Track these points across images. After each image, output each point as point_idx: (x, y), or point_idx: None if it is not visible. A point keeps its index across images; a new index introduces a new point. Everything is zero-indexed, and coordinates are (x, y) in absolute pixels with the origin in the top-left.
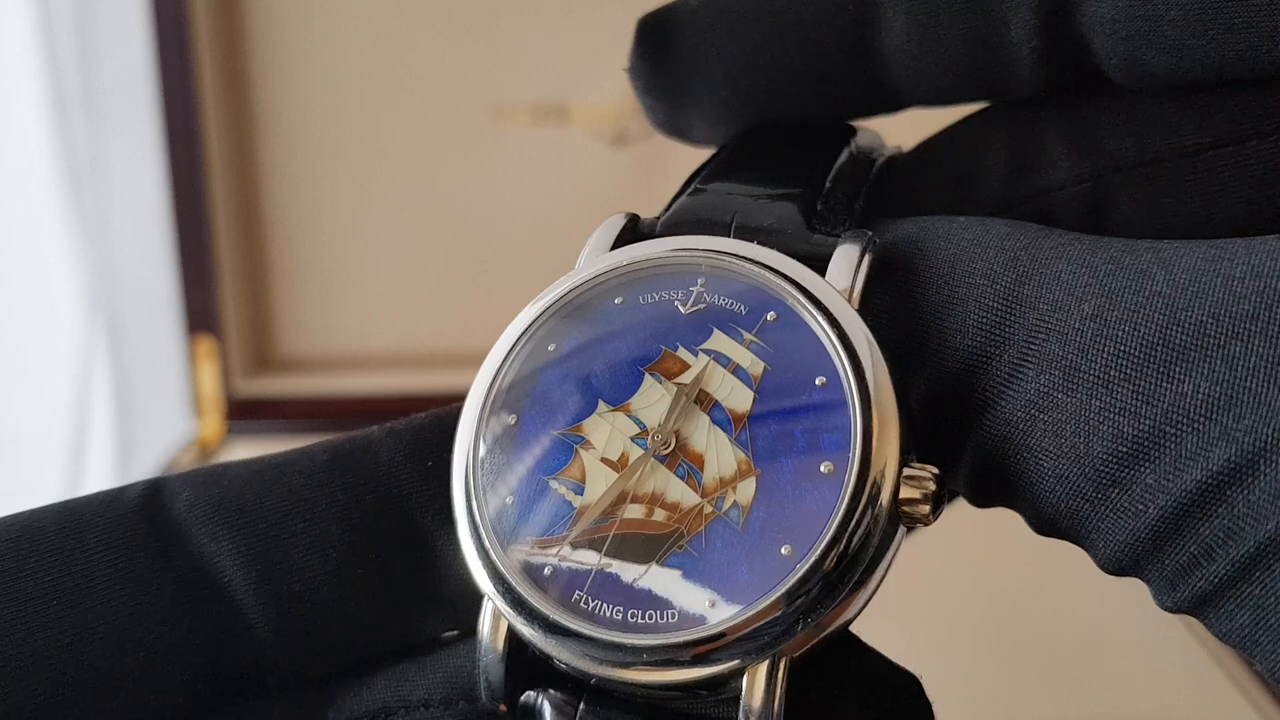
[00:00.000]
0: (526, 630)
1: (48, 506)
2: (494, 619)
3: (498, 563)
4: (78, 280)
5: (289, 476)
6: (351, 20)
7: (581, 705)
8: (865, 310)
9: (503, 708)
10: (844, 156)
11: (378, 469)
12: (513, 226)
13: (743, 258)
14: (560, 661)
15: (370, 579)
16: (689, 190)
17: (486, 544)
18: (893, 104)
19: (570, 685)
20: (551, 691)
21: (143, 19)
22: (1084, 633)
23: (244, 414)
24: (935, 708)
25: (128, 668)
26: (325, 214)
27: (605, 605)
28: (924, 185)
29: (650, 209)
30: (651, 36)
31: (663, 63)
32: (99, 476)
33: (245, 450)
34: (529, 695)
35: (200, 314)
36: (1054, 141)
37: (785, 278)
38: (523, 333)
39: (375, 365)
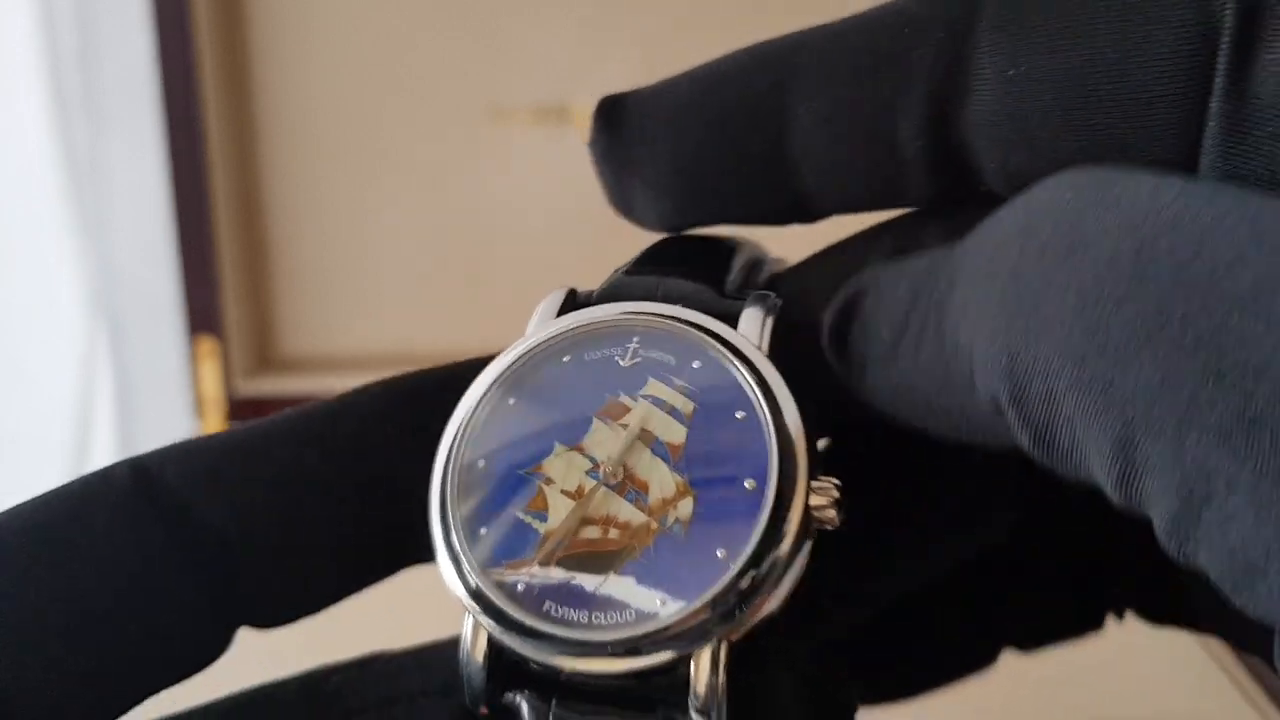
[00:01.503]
0: (505, 637)
1: (33, 506)
2: (474, 631)
3: (478, 584)
4: (79, 281)
5: (275, 447)
6: (353, 21)
7: (554, 701)
8: (774, 356)
9: (484, 710)
10: (743, 256)
11: (367, 439)
12: (514, 227)
13: (670, 317)
14: (535, 662)
15: (367, 551)
16: (616, 275)
17: (465, 570)
18: (804, 206)
19: (544, 686)
20: (527, 692)
21: (144, 19)
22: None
23: (246, 414)
24: (932, 709)
25: (155, 642)
26: (327, 214)
27: (572, 611)
28: (811, 279)
29: None
30: (608, 114)
31: (615, 137)
32: None
33: None
34: (508, 697)
35: (202, 314)
36: (932, 239)
37: (706, 331)
38: (486, 389)
39: (377, 365)
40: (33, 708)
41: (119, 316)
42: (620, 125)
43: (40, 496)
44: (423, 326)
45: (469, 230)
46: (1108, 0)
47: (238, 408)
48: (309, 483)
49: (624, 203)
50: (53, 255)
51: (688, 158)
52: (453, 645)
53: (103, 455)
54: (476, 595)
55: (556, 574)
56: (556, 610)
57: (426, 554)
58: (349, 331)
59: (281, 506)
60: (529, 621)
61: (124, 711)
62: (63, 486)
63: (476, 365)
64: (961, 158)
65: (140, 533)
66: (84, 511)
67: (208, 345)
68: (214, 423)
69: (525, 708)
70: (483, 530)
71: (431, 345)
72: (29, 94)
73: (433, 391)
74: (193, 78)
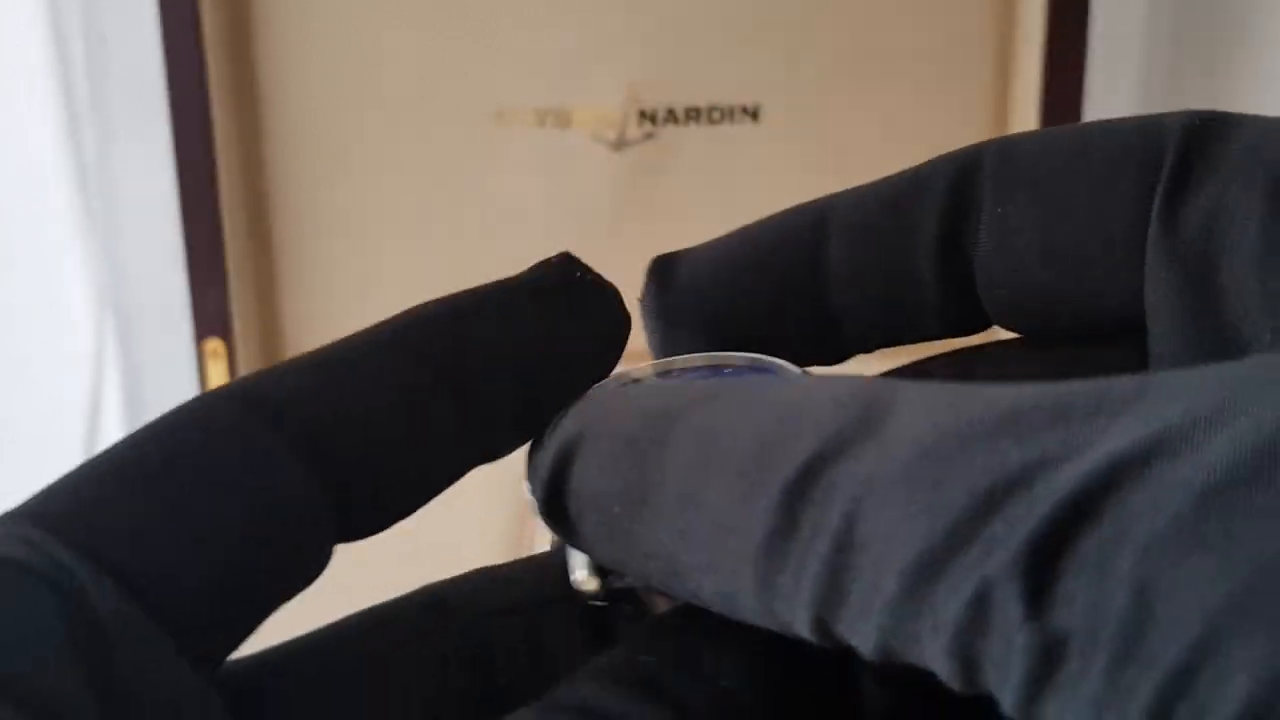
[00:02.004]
0: None
1: (145, 435)
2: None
3: None
4: (87, 283)
5: (367, 359)
6: (357, 25)
7: None
8: None
9: (601, 601)
10: None
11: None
12: (518, 228)
13: (750, 355)
14: None
15: (454, 453)
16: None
17: None
18: (836, 343)
19: None
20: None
21: (152, 24)
22: None
23: None
24: None
25: (282, 554)
26: (333, 217)
27: None
28: None
29: (651, 209)
30: (661, 270)
31: (666, 290)
32: None
33: None
34: (617, 580)
35: (209, 316)
36: (937, 372)
37: (776, 362)
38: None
39: None
40: (184, 620)
41: (127, 318)
42: (672, 278)
43: (147, 427)
44: None
45: (473, 232)
46: (1075, 153)
47: None
48: (403, 390)
49: (667, 353)
50: (61, 257)
51: (732, 301)
52: (553, 556)
53: None
54: None
55: None
56: None
57: (495, 455)
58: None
59: (382, 416)
60: None
61: (252, 629)
62: (166, 416)
63: (528, 281)
64: (969, 287)
65: (260, 446)
66: (202, 431)
67: (215, 347)
68: None
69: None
70: None
71: None
72: (37, 97)
73: (497, 299)
74: (201, 81)
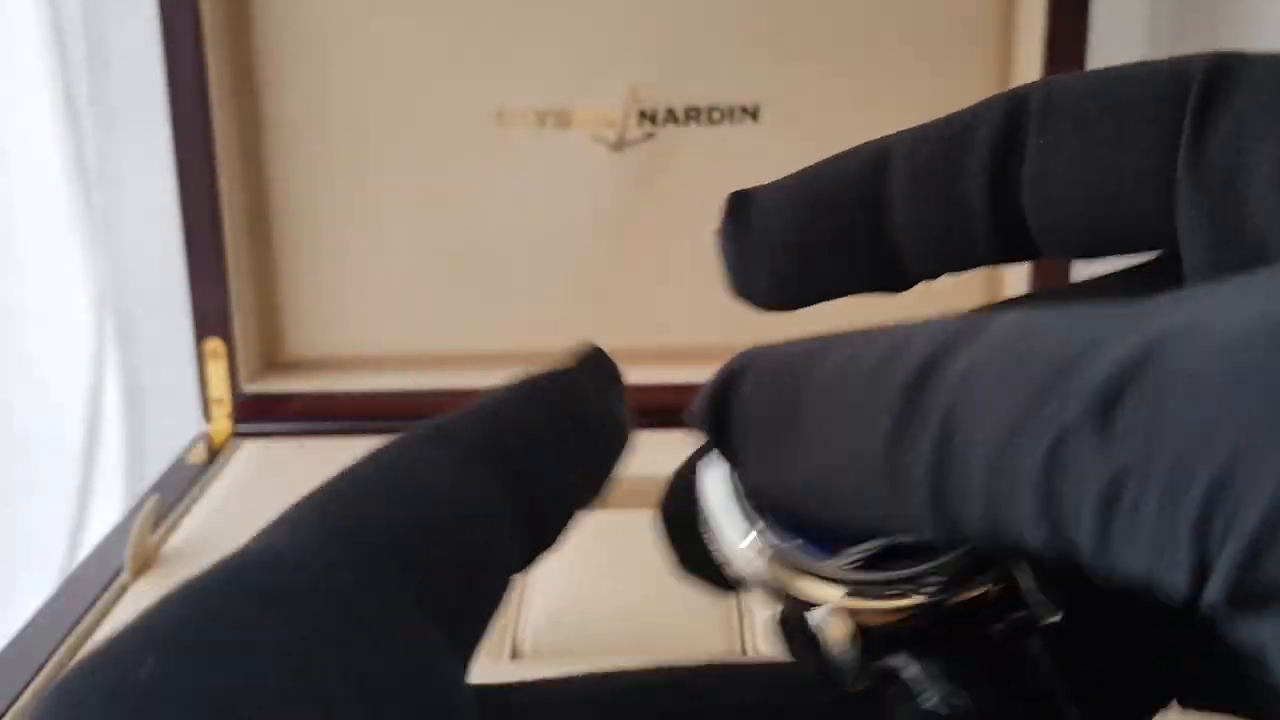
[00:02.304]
0: (888, 598)
1: (376, 466)
2: (834, 617)
3: (833, 574)
4: (88, 283)
5: (513, 409)
6: (358, 26)
7: (940, 646)
8: None
9: (858, 688)
10: None
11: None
12: (518, 227)
13: None
14: (910, 611)
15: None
16: None
17: (808, 568)
18: (896, 272)
19: (917, 641)
20: (903, 653)
21: (152, 24)
22: None
23: (252, 413)
24: None
25: (496, 583)
26: (332, 218)
27: (909, 563)
28: None
29: (651, 209)
30: (736, 202)
31: (739, 223)
32: (109, 476)
33: (254, 450)
34: (881, 665)
35: (210, 317)
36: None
37: None
38: None
39: (382, 367)
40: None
41: (128, 318)
42: (746, 212)
43: (372, 459)
44: (427, 328)
45: (473, 233)
46: (1113, 89)
47: (244, 408)
48: (550, 438)
49: (742, 281)
50: (63, 258)
51: (801, 233)
52: (786, 659)
53: (111, 453)
54: (839, 581)
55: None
56: (897, 565)
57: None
58: (354, 333)
59: (550, 465)
60: (894, 576)
61: (476, 652)
62: (386, 453)
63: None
64: (1018, 216)
65: (482, 485)
66: (428, 466)
67: (215, 346)
68: (221, 422)
69: (913, 665)
70: (798, 541)
71: (436, 347)
72: (39, 98)
73: (580, 374)
74: (200, 80)
